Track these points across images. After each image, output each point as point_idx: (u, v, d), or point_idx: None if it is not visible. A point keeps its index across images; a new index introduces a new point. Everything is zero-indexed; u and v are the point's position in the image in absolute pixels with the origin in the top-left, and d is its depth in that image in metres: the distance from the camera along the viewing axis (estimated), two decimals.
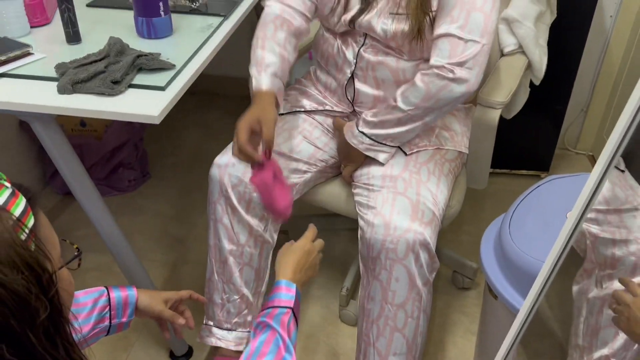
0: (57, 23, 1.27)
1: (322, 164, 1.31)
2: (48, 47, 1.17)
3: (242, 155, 1.05)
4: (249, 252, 1.22)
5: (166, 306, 0.96)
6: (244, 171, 1.17)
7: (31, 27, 1.23)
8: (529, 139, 2.00)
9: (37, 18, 1.24)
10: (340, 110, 1.32)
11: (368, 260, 1.14)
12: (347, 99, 1.28)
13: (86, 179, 1.15)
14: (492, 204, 1.95)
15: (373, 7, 1.15)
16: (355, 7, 1.17)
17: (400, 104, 1.12)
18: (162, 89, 1.02)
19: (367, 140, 1.18)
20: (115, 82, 1.00)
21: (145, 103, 0.98)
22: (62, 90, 0.98)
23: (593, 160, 2.19)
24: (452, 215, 1.29)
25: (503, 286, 1.05)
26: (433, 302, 1.54)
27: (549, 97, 1.87)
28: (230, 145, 1.22)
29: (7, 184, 0.51)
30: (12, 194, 0.50)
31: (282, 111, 1.32)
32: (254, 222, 1.20)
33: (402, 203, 1.11)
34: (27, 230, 0.47)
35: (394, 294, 1.12)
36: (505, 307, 1.05)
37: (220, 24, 1.30)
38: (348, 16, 1.18)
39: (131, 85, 1.02)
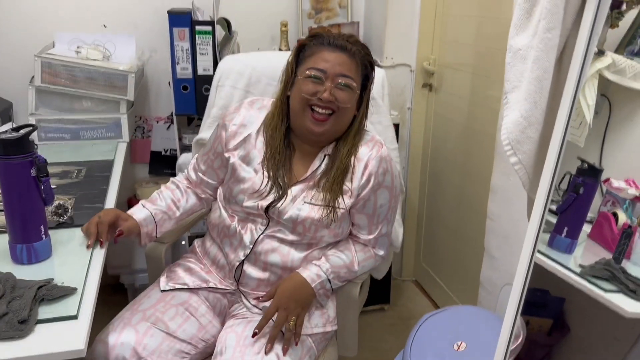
0: None
1: (203, 344, 1.31)
2: None
3: (94, 233, 1.23)
4: None
5: None
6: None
7: None
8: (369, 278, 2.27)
9: None
10: (223, 287, 1.36)
11: None
12: (234, 278, 1.35)
13: None
14: None
15: (287, 195, 1.30)
16: (271, 195, 1.30)
17: (358, 269, 1.36)
18: (74, 317, 0.97)
19: (328, 286, 1.31)
20: (22, 322, 0.92)
21: (63, 337, 0.92)
22: None
23: (417, 284, 2.57)
24: None
25: None
26: None
27: None
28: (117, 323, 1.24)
29: None
30: None
31: (165, 288, 1.35)
32: None
33: None
34: None
35: None
36: None
37: None
38: (264, 203, 1.30)
39: (38, 321, 0.95)
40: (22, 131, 1.08)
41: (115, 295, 2.27)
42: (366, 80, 1.34)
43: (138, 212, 1.36)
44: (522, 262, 0.84)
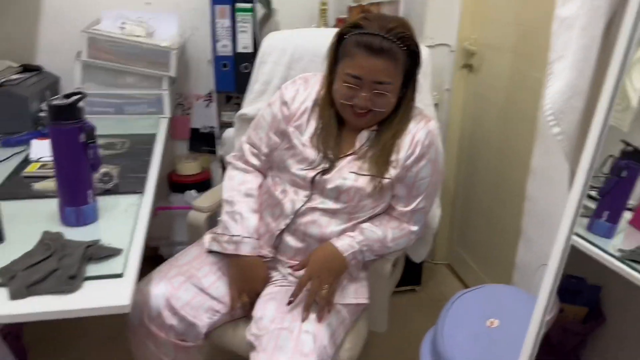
0: None
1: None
2: None
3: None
4: None
5: None
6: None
7: None
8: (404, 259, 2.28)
9: None
10: (261, 254, 1.37)
11: None
12: (272, 245, 1.38)
13: None
14: None
15: (335, 166, 1.33)
16: (320, 166, 1.33)
17: (391, 245, 1.37)
18: (120, 276, 1.02)
19: (360, 257, 1.33)
20: (72, 278, 0.97)
21: (108, 293, 0.97)
22: (16, 295, 0.92)
23: (450, 267, 2.56)
24: (351, 358, 1.32)
25: None
26: None
27: None
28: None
29: None
30: None
31: (212, 248, 1.40)
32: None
33: (284, 337, 1.17)
34: None
35: None
36: None
37: (140, 201, 1.35)
38: (312, 174, 1.33)
39: (86, 278, 1.00)
40: (72, 98, 1.13)
41: (154, 267, 2.33)
42: (413, 67, 1.31)
43: (253, 245, 1.36)
44: (561, 232, 0.84)
